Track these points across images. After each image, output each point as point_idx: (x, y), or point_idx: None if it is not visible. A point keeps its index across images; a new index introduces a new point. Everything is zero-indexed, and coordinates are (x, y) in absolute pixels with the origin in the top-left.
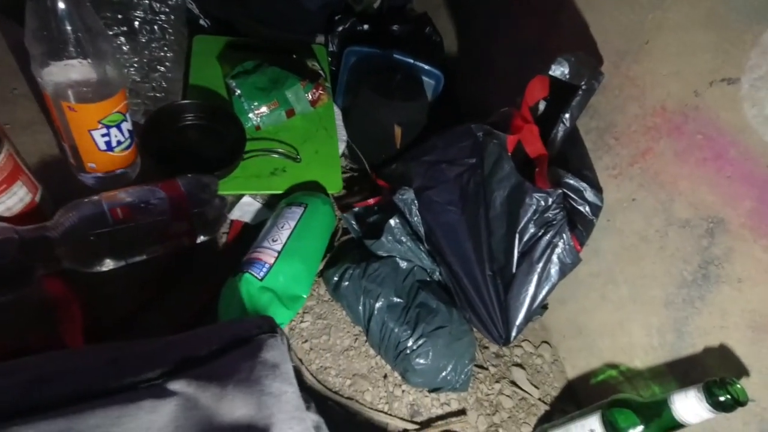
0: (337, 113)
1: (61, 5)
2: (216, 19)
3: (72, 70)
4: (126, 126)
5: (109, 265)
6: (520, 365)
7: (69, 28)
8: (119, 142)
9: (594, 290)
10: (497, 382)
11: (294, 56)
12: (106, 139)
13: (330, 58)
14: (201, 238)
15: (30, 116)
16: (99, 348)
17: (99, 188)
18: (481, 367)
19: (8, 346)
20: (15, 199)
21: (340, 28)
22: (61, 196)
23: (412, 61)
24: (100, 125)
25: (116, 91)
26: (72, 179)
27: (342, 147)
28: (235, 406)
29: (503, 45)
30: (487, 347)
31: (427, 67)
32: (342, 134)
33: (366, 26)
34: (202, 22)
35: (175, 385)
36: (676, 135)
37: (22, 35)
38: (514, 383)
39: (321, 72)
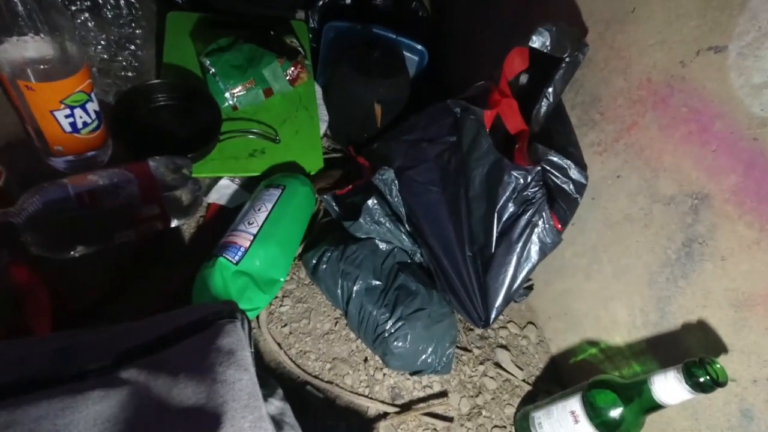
0: (319, 92)
1: None
2: None
3: (27, 47)
4: (92, 106)
5: (78, 250)
6: (504, 347)
7: (18, 1)
8: (86, 124)
9: (579, 270)
10: (481, 363)
11: (272, 33)
12: (71, 120)
13: (311, 35)
14: (175, 222)
15: None
16: (49, 337)
17: (69, 172)
18: (464, 349)
19: None
20: None
21: (321, 3)
22: (31, 181)
23: (394, 36)
24: (63, 105)
25: (77, 69)
26: (41, 164)
27: (324, 127)
28: (185, 395)
29: (487, 18)
30: (471, 329)
31: (410, 42)
32: (323, 114)
33: (348, 0)
34: None
35: (126, 374)
36: (662, 108)
37: None
38: (498, 365)
39: (300, 49)
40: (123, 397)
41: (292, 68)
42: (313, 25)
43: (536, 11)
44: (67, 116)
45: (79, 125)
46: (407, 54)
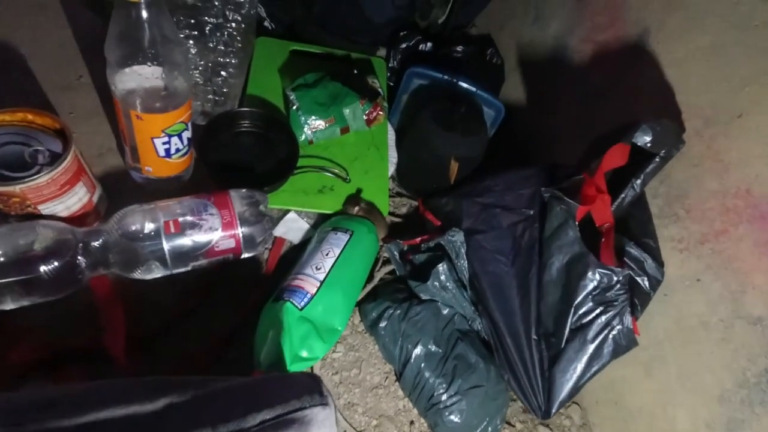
0: (390, 133)
1: (145, 14)
2: (280, 22)
3: (144, 79)
4: (186, 135)
5: (155, 274)
6: (546, 425)
7: (148, 36)
8: (177, 150)
9: (639, 363)
10: None
11: (355, 71)
12: (167, 147)
13: (389, 74)
14: (245, 255)
15: (93, 106)
16: (140, 389)
17: (149, 187)
18: (507, 422)
19: (51, 347)
20: (75, 199)
21: (404, 45)
22: (114, 189)
23: (474, 89)
24: (163, 134)
25: (183, 103)
26: (125, 174)
27: (392, 169)
28: None
29: (571, 81)
30: (514, 400)
31: (489, 97)
32: (393, 155)
33: (429, 45)
34: (266, 24)
35: None
36: (760, 224)
37: (93, 22)
38: None
39: (380, 90)
40: None
41: (371, 109)
42: (393, 65)
43: (627, 88)
44: (164, 143)
45: (173, 151)
46: (484, 108)
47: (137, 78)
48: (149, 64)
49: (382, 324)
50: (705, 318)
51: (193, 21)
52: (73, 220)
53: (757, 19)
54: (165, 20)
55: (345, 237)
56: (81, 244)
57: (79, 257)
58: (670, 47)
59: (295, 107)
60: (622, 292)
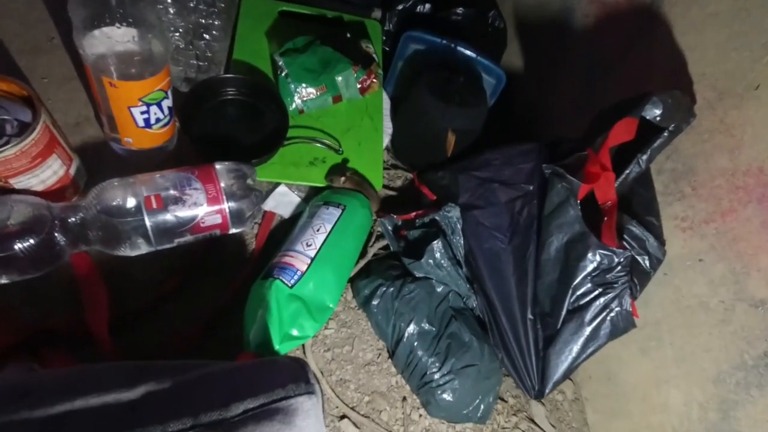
0: (386, 102)
1: None
2: None
3: (114, 42)
4: (166, 103)
5: (138, 250)
6: (539, 399)
7: None
8: (158, 120)
9: (634, 342)
10: (515, 414)
11: (348, 35)
12: (145, 116)
13: (384, 37)
14: (233, 231)
15: (67, 71)
16: (117, 376)
17: (131, 159)
18: (500, 398)
19: (32, 328)
20: (49, 172)
21: (401, 7)
22: (94, 161)
23: (474, 55)
24: (140, 103)
25: (160, 69)
26: (106, 145)
27: (386, 140)
28: None
29: (577, 48)
30: (507, 375)
31: (489, 63)
32: (387, 126)
33: (427, 6)
34: None
35: None
36: None
37: None
38: (531, 419)
39: (374, 56)
40: None
41: (365, 77)
42: (388, 28)
43: (637, 59)
44: (142, 113)
45: (152, 121)
46: (484, 76)
47: (107, 41)
48: (119, 25)
49: (375, 301)
50: (705, 299)
51: None
52: (50, 194)
53: None
54: None
55: (337, 212)
56: (58, 221)
57: (56, 234)
58: (687, 11)
59: (283, 74)
60: (622, 274)
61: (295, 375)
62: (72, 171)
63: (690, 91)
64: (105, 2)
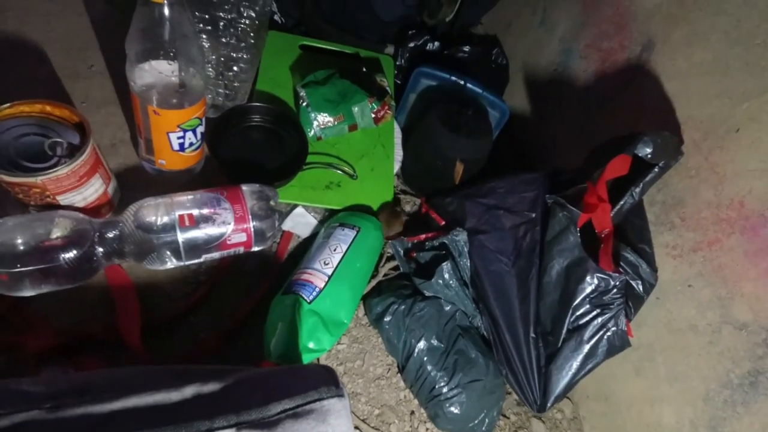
0: (397, 131)
1: (168, 12)
2: (290, 16)
3: (162, 75)
4: (200, 129)
5: (168, 264)
6: (539, 418)
7: (169, 33)
8: (191, 144)
9: (629, 361)
10: (516, 431)
11: (364, 69)
12: (181, 141)
13: (396, 72)
14: (254, 249)
15: (105, 95)
16: (165, 377)
17: (161, 179)
18: (502, 415)
19: (67, 334)
20: (91, 190)
21: (412, 44)
22: (126, 181)
23: (480, 90)
24: (178, 129)
25: (198, 99)
26: (137, 165)
27: (397, 167)
28: None
29: (574, 86)
30: (509, 393)
31: (494, 98)
32: (398, 153)
33: (437, 44)
34: (276, 17)
35: None
36: (750, 235)
37: (104, 11)
38: None
39: (387, 89)
40: None
41: (379, 108)
42: (400, 63)
43: (630, 97)
44: (179, 138)
45: (186, 145)
46: (489, 109)
47: (156, 74)
48: (168, 61)
49: (387, 318)
50: (694, 322)
51: (207, 16)
52: (89, 210)
53: (759, 38)
54: (185, 18)
55: (352, 233)
56: (98, 234)
57: (96, 247)
58: (674, 60)
59: (304, 104)
60: (618, 296)
61: (325, 379)
62: (110, 190)
63: (678, 132)
64: (159, 39)
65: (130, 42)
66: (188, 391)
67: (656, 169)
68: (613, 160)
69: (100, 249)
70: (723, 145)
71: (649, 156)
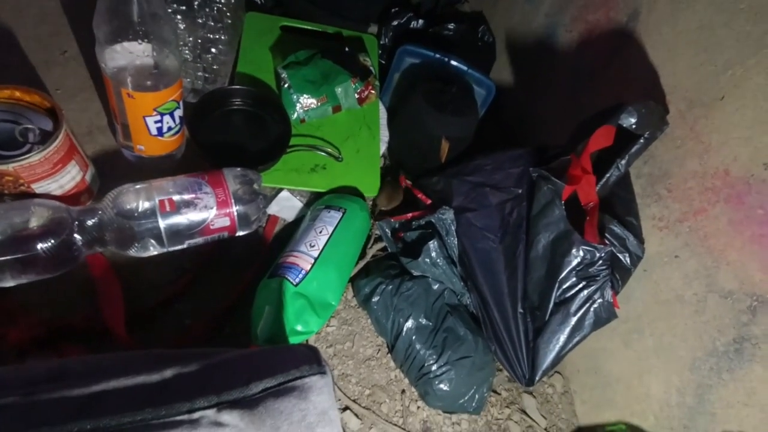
0: (382, 111)
1: None
2: None
3: (134, 56)
4: (178, 113)
5: (150, 251)
6: (530, 393)
7: (137, 11)
8: (170, 128)
9: (618, 335)
10: (507, 407)
11: (346, 49)
12: (159, 125)
13: (380, 51)
14: (239, 233)
15: (80, 82)
16: (145, 361)
17: (141, 165)
18: (493, 391)
19: (50, 325)
20: (68, 177)
21: (396, 22)
22: (105, 168)
23: (466, 68)
24: (155, 112)
25: (174, 81)
26: (117, 152)
27: (383, 148)
28: None
29: (561, 61)
30: (500, 370)
31: (480, 76)
32: (384, 134)
33: (420, 22)
34: None
35: (228, 417)
36: (735, 203)
37: None
38: (523, 411)
39: (371, 68)
40: None
41: (363, 88)
42: (384, 42)
43: (615, 70)
44: (156, 122)
45: (164, 130)
46: (475, 87)
47: (127, 55)
48: (139, 41)
49: (375, 299)
50: (681, 292)
51: None
52: (67, 198)
53: (743, 2)
54: None
55: (338, 215)
56: (76, 223)
57: (75, 235)
58: (659, 29)
59: (286, 85)
60: (603, 267)
61: (308, 358)
62: (87, 177)
63: (663, 102)
64: (128, 19)
65: (97, 23)
66: (168, 372)
67: (641, 140)
68: (597, 131)
69: (80, 237)
70: (708, 114)
71: (634, 126)
